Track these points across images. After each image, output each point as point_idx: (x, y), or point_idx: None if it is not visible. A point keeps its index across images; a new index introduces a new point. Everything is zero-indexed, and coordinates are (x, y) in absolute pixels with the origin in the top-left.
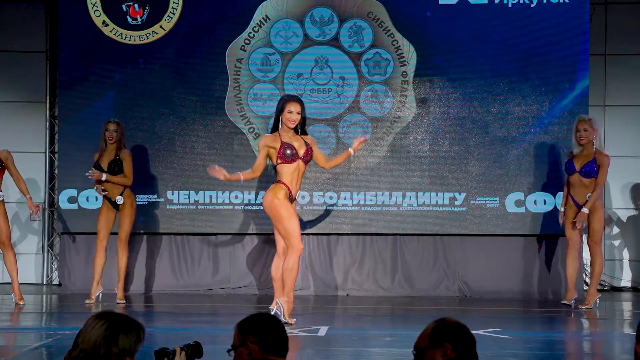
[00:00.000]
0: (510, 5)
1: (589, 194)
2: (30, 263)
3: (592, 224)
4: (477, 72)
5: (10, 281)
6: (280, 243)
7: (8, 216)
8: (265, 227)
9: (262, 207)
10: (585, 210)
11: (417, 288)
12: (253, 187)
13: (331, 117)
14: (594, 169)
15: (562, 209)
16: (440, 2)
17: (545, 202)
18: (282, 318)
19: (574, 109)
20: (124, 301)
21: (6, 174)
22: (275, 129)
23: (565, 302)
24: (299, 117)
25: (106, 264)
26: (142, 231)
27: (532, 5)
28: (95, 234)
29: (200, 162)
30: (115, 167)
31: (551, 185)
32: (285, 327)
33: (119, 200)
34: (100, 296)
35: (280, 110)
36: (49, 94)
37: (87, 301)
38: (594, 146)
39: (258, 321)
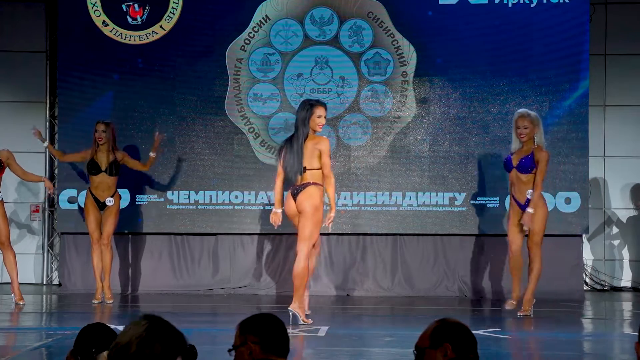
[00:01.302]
0: (510, 5)
1: (529, 191)
2: (30, 263)
3: (533, 223)
4: (477, 72)
5: (10, 281)
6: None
7: (7, 216)
8: (265, 227)
9: (261, 208)
10: (529, 210)
11: (417, 288)
12: (253, 187)
13: (331, 117)
14: (530, 164)
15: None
16: (440, 2)
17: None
18: (300, 322)
19: (575, 109)
20: (112, 300)
21: (5, 174)
22: (304, 133)
23: (523, 312)
24: (325, 120)
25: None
26: (142, 231)
27: (532, 5)
28: None
29: (200, 162)
30: (114, 169)
31: (551, 185)
32: (298, 327)
33: (109, 202)
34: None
35: (309, 115)
36: (49, 94)
37: (94, 301)
38: (535, 143)
39: (259, 321)
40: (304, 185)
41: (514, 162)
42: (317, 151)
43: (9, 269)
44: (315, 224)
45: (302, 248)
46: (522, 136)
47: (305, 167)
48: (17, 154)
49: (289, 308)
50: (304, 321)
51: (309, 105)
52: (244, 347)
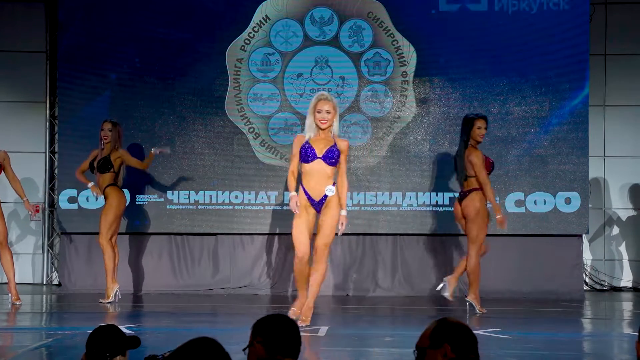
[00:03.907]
0: (510, 13)
1: (329, 187)
2: (29, 263)
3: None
4: (477, 72)
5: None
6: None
7: (5, 216)
8: (264, 227)
9: (261, 207)
10: (342, 212)
11: (417, 288)
12: (253, 187)
13: None
14: (338, 155)
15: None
16: (440, 10)
17: (545, 202)
18: (477, 312)
19: (575, 109)
20: (107, 300)
21: (2, 175)
22: (463, 143)
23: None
24: (484, 131)
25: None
26: (142, 231)
27: (532, 13)
28: (95, 233)
29: (200, 162)
30: (104, 165)
31: (551, 185)
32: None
33: (103, 199)
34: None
35: (469, 127)
36: (49, 94)
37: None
38: (332, 130)
39: (266, 322)
40: (467, 192)
41: (318, 153)
42: (469, 163)
43: (6, 269)
44: (479, 226)
45: (471, 247)
46: (323, 121)
47: (466, 175)
48: (17, 154)
49: (466, 299)
50: (479, 310)
51: (469, 118)
52: (251, 347)
